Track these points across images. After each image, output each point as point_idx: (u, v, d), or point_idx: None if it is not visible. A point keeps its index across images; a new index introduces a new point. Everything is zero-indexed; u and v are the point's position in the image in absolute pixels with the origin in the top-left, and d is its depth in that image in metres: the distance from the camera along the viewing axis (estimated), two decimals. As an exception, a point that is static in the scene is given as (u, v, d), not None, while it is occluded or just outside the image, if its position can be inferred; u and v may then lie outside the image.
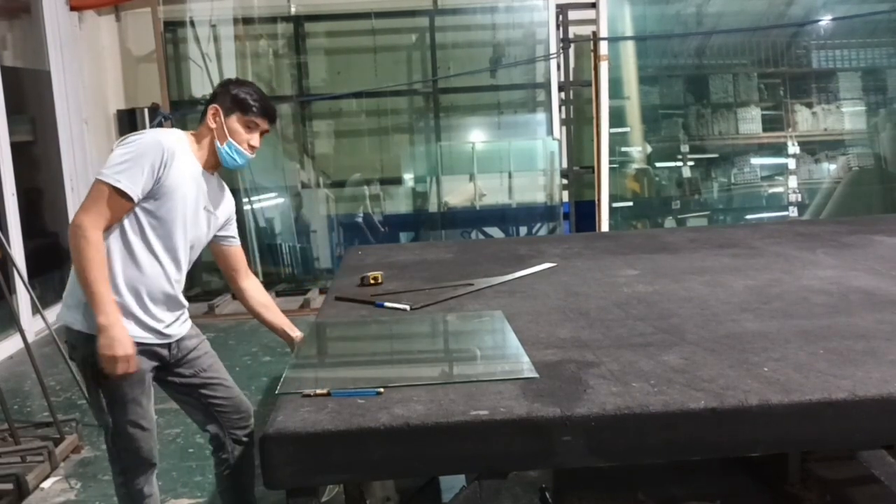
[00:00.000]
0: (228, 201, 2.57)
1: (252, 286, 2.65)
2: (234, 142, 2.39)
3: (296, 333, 2.60)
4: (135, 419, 2.38)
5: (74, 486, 3.47)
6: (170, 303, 2.39)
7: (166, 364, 2.45)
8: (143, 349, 2.32)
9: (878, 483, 2.67)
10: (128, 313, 2.28)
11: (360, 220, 7.29)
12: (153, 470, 2.52)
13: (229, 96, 2.40)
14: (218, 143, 2.39)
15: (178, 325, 2.45)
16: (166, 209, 2.28)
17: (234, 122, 2.39)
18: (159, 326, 2.36)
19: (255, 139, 2.43)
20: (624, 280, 2.95)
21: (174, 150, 2.26)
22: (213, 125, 2.40)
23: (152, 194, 2.25)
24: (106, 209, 2.18)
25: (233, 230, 2.59)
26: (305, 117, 7.38)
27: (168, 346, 2.42)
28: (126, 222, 2.25)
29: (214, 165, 2.44)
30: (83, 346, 2.29)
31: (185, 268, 2.42)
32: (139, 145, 2.22)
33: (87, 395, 2.38)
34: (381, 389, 1.82)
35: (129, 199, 2.20)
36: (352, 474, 1.75)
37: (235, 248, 2.61)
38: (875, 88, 7.53)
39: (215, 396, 2.55)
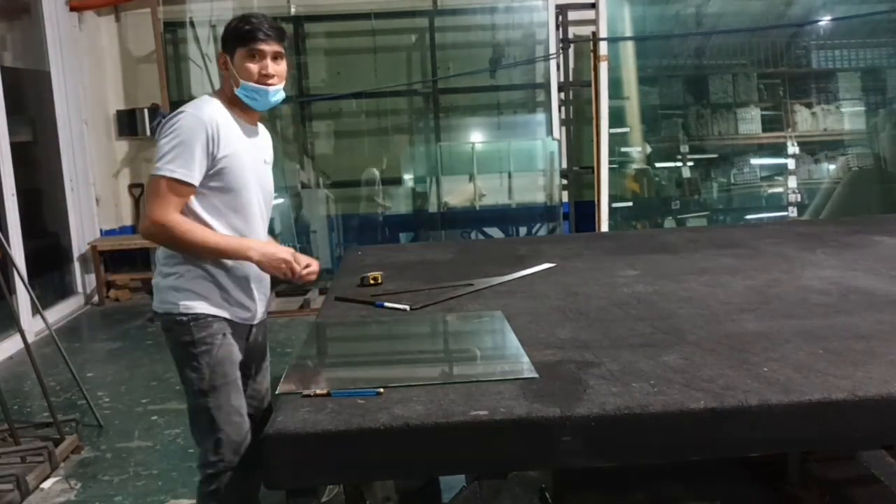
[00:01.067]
0: (271, 149, 2.48)
1: None
2: (245, 82, 2.22)
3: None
4: (236, 405, 2.27)
5: (74, 486, 3.47)
6: (259, 274, 2.34)
7: (247, 348, 2.39)
8: (237, 328, 2.31)
9: (878, 483, 2.66)
10: (222, 289, 2.26)
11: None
12: (245, 480, 2.29)
13: (226, 35, 2.25)
14: (235, 90, 2.24)
15: (266, 291, 2.42)
16: (234, 180, 2.23)
17: (240, 58, 2.22)
18: (249, 303, 2.33)
19: (266, 66, 2.23)
20: (624, 280, 2.95)
21: (216, 119, 2.18)
22: (225, 72, 2.26)
23: (216, 172, 2.19)
24: (170, 200, 2.13)
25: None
26: (305, 118, 7.38)
27: (251, 328, 2.39)
28: (202, 209, 2.21)
29: (250, 116, 2.33)
30: (178, 327, 2.24)
31: (265, 229, 2.39)
32: (182, 129, 2.14)
33: (184, 383, 2.30)
34: (381, 390, 1.82)
35: (189, 185, 2.15)
36: (351, 474, 1.75)
37: None
38: (874, 88, 7.54)
39: (248, 406, 2.40)
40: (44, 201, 6.80)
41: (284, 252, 2.23)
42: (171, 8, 6.99)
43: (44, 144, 6.74)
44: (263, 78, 2.23)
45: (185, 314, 2.23)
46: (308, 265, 2.26)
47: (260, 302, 2.41)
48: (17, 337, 4.47)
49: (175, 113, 2.20)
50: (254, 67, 2.21)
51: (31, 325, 5.52)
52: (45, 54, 6.65)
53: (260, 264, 2.21)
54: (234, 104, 2.27)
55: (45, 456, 3.56)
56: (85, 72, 7.09)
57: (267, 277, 2.39)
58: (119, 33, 7.36)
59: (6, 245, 4.31)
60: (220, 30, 2.29)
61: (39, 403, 4.36)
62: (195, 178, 2.15)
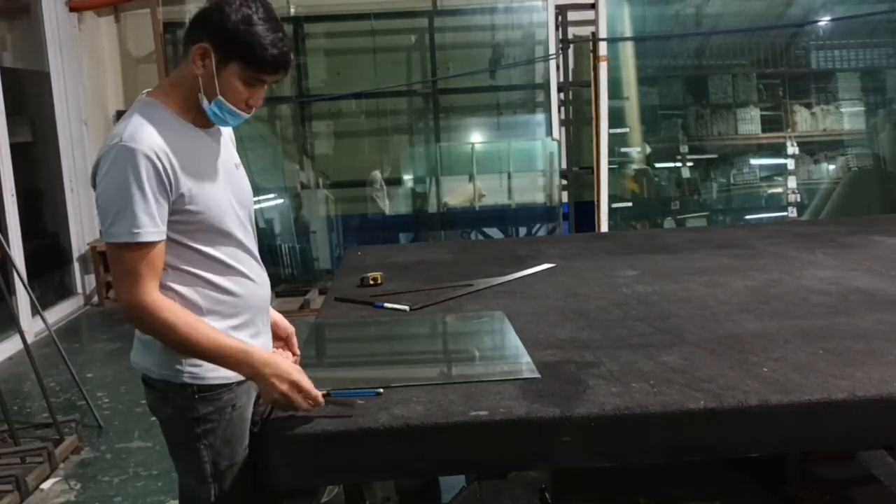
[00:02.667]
0: (233, 143, 1.99)
1: None
2: (225, 101, 1.71)
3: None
4: (241, 486, 1.83)
5: (74, 486, 3.47)
6: (264, 302, 1.93)
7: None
8: (247, 388, 1.85)
9: (878, 483, 2.67)
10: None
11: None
12: None
13: (228, 33, 1.65)
14: (203, 98, 1.71)
15: (268, 322, 1.99)
16: (206, 205, 1.72)
17: (232, 75, 1.68)
18: (258, 342, 1.88)
19: (256, 97, 1.74)
20: (623, 280, 2.94)
21: (160, 144, 1.65)
22: (199, 72, 1.69)
23: (180, 205, 1.69)
24: (145, 269, 1.63)
25: None
26: (305, 118, 7.38)
27: None
28: (174, 258, 1.72)
29: (208, 120, 1.79)
30: (179, 398, 1.77)
31: (253, 244, 1.90)
32: (122, 174, 1.61)
33: (179, 461, 1.87)
34: (381, 390, 1.81)
35: (157, 242, 1.65)
36: (351, 475, 1.75)
37: None
38: (874, 89, 7.54)
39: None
40: (43, 202, 6.80)
41: (288, 376, 1.66)
42: (170, 8, 6.99)
43: (43, 145, 6.74)
44: (247, 108, 1.76)
45: (190, 384, 1.76)
46: (313, 395, 1.69)
47: (267, 335, 1.98)
48: (17, 337, 4.47)
49: (106, 147, 1.66)
50: (245, 94, 1.72)
51: (31, 325, 5.52)
52: (45, 55, 6.65)
53: (259, 385, 1.69)
54: (191, 106, 1.75)
55: (45, 457, 3.56)
56: (84, 72, 7.09)
57: (268, 305, 1.99)
58: (119, 34, 7.36)
59: (6, 246, 4.31)
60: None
61: (39, 404, 4.36)
62: (161, 230, 1.65)
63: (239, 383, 1.83)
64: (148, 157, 1.62)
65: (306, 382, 1.68)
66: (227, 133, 1.93)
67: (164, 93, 1.77)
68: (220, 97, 1.70)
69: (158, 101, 1.75)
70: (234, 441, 1.82)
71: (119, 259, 1.64)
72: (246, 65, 1.68)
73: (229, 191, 1.82)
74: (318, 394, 1.69)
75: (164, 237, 1.67)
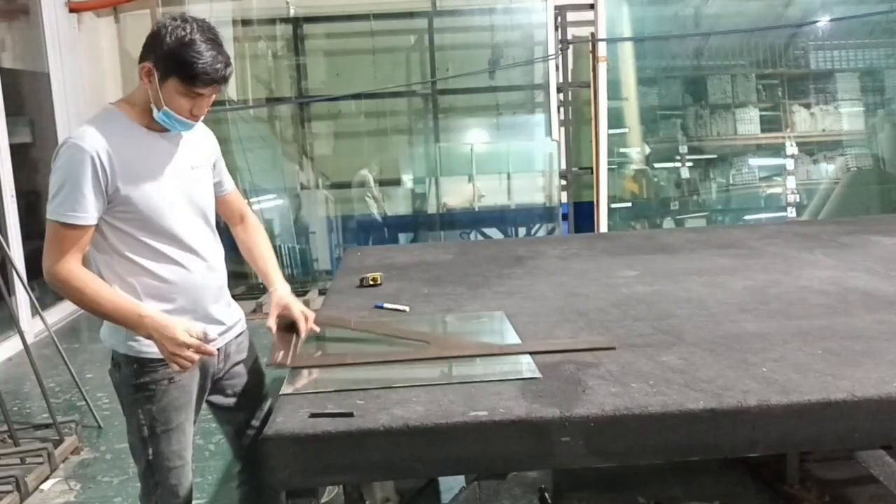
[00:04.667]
0: (207, 145, 2.17)
1: (243, 232, 2.35)
2: (171, 111, 1.92)
3: (274, 287, 2.26)
4: (177, 449, 2.08)
5: (74, 487, 3.47)
6: (207, 291, 2.08)
7: (213, 378, 2.17)
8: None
9: (876, 483, 2.67)
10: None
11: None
12: None
13: (164, 54, 1.88)
14: (154, 108, 1.93)
15: (224, 309, 2.15)
16: (145, 205, 1.95)
17: (173, 88, 1.89)
18: (209, 327, 2.02)
19: (199, 107, 1.95)
20: (623, 281, 2.95)
21: (102, 146, 1.88)
22: (146, 87, 1.93)
23: (120, 202, 1.93)
24: (67, 245, 1.89)
25: (221, 175, 2.24)
26: (304, 119, 7.39)
27: (218, 349, 2.08)
28: (120, 243, 1.96)
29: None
30: (125, 364, 2.05)
31: (206, 239, 2.09)
32: (65, 166, 1.88)
33: (126, 422, 2.13)
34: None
35: (80, 227, 1.89)
36: (351, 475, 1.75)
37: (230, 195, 2.29)
38: (873, 89, 7.55)
39: (245, 436, 2.26)
40: (43, 203, 6.79)
41: (173, 342, 1.88)
42: (170, 9, 6.99)
43: (43, 146, 6.73)
44: (192, 116, 1.96)
45: (128, 355, 2.02)
46: (200, 340, 1.92)
47: (224, 317, 2.15)
48: (17, 338, 4.47)
49: (62, 142, 1.93)
50: (186, 104, 1.93)
51: (31, 326, 5.52)
52: (45, 55, 6.65)
53: (156, 344, 1.91)
54: (146, 113, 1.97)
55: (45, 457, 3.56)
56: (84, 73, 7.09)
57: (224, 286, 2.16)
58: (118, 34, 7.35)
59: (6, 246, 4.31)
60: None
61: (39, 405, 4.36)
62: (88, 217, 1.89)
63: None
64: (90, 155, 1.87)
65: (190, 340, 1.89)
66: (196, 136, 2.11)
67: (125, 102, 2.01)
68: (165, 108, 1.92)
69: (117, 109, 1.99)
70: (169, 410, 2.05)
71: (53, 233, 1.90)
72: (181, 80, 1.89)
73: (178, 190, 2.02)
74: (200, 344, 1.91)
75: (92, 223, 1.91)
